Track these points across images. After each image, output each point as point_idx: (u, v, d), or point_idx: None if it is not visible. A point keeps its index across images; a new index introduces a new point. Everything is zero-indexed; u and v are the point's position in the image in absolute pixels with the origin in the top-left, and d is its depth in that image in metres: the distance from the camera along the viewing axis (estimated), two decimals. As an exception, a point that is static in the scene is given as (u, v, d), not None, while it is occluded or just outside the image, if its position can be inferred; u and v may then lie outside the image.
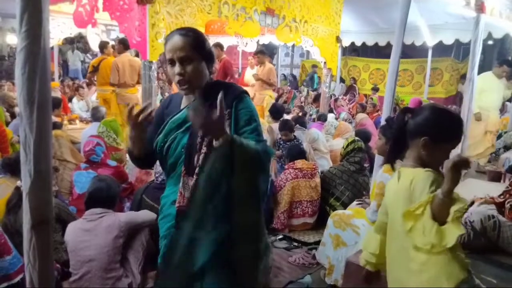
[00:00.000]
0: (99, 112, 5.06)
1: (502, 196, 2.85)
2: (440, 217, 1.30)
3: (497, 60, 12.32)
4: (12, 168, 2.81)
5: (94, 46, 7.59)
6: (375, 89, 11.02)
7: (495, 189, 3.26)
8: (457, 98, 11.08)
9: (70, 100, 7.96)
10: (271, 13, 5.15)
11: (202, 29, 3.72)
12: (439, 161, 1.53)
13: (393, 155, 1.70)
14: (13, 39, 12.52)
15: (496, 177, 4.77)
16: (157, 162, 1.77)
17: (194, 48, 1.53)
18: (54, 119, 4.82)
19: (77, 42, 13.67)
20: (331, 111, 7.88)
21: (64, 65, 13.33)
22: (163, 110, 1.72)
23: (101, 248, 2.38)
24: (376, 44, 9.65)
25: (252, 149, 1.43)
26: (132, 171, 3.94)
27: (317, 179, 3.95)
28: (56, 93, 7.09)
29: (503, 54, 12.69)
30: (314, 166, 4.01)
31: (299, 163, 3.93)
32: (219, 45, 6.91)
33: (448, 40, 8.56)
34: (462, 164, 1.27)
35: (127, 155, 4.30)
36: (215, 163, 1.39)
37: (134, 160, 1.73)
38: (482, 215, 2.76)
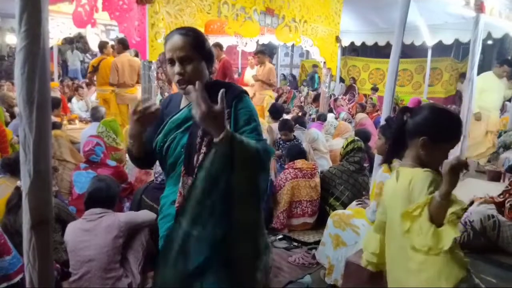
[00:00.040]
0: (98, 112, 5.05)
1: (501, 196, 2.86)
2: (437, 219, 1.30)
3: (496, 60, 12.34)
4: (12, 168, 2.81)
5: (94, 46, 7.59)
6: (375, 89, 11.03)
7: (495, 189, 3.26)
8: (457, 97, 11.10)
9: (69, 100, 7.96)
10: (270, 13, 5.15)
11: (201, 29, 3.72)
12: (437, 161, 1.54)
13: (391, 155, 1.70)
14: (12, 39, 12.52)
15: (495, 176, 4.77)
16: (157, 162, 1.77)
17: (194, 48, 1.53)
18: (54, 119, 4.82)
19: (77, 42, 13.67)
20: (330, 111, 7.88)
21: (64, 65, 13.32)
22: (163, 110, 1.72)
23: (101, 248, 2.38)
24: (376, 44, 9.66)
25: (252, 147, 1.43)
26: (131, 171, 3.93)
27: (317, 179, 3.95)
28: (56, 93, 7.08)
29: (502, 54, 12.70)
30: (314, 166, 4.01)
31: (299, 163, 3.93)
32: (218, 45, 6.92)
33: (448, 40, 8.56)
34: (460, 167, 1.27)
35: (127, 155, 4.30)
36: (214, 160, 1.39)
37: (134, 160, 1.73)
38: (482, 214, 2.76)
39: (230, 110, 1.56)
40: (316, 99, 8.73)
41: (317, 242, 3.28)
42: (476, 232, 2.73)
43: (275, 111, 5.68)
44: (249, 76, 7.49)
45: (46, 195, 1.32)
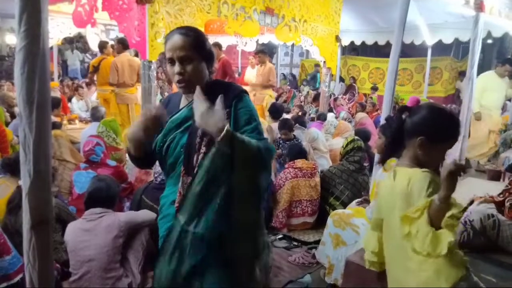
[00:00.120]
0: (98, 112, 5.05)
1: (501, 195, 2.85)
2: (437, 222, 1.30)
3: (496, 59, 12.37)
4: (12, 168, 2.81)
5: (94, 46, 7.59)
6: (374, 89, 11.03)
7: (495, 188, 3.26)
8: (455, 96, 11.10)
9: (69, 100, 7.96)
10: (270, 13, 5.15)
11: (201, 29, 3.72)
12: (435, 161, 1.54)
13: (389, 154, 1.69)
14: (12, 39, 12.50)
15: (495, 176, 4.77)
16: (156, 162, 1.77)
17: (194, 47, 1.53)
18: (54, 119, 4.82)
19: (77, 42, 13.66)
20: (330, 110, 7.88)
21: (64, 65, 13.31)
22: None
23: (101, 248, 2.38)
24: (376, 43, 9.66)
25: (253, 146, 1.43)
26: (131, 171, 3.94)
27: (317, 179, 3.95)
28: (56, 93, 7.08)
29: (502, 53, 12.69)
30: (314, 166, 4.01)
31: (299, 162, 3.93)
32: (217, 45, 6.92)
33: (448, 39, 8.56)
34: (458, 171, 1.27)
35: (127, 155, 4.30)
36: (215, 159, 1.39)
37: (134, 160, 1.73)
38: (482, 214, 2.76)
39: (230, 109, 1.56)
40: (316, 98, 8.73)
41: (317, 242, 3.28)
42: (476, 231, 2.73)
43: (275, 111, 5.67)
44: (249, 76, 7.49)
45: (46, 195, 1.33)
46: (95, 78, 7.08)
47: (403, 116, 1.60)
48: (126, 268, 2.49)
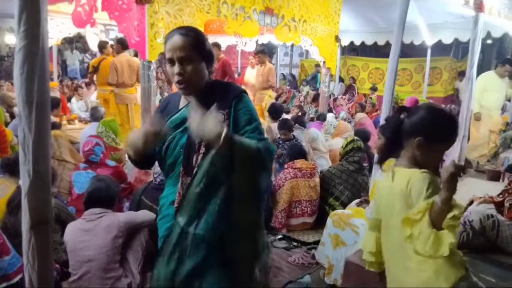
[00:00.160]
0: (98, 112, 5.05)
1: (501, 195, 2.86)
2: (438, 224, 1.30)
3: (496, 59, 12.37)
4: (11, 169, 2.81)
5: (93, 46, 7.58)
6: (374, 89, 11.03)
7: (494, 188, 3.26)
8: (455, 96, 11.12)
9: (69, 100, 7.96)
10: (270, 13, 5.15)
11: (201, 29, 3.73)
12: (433, 161, 1.53)
13: (387, 154, 1.69)
14: (11, 39, 12.51)
15: (495, 176, 4.78)
16: (156, 163, 1.76)
17: (194, 48, 1.52)
18: (53, 119, 4.82)
19: (76, 42, 13.65)
20: (330, 110, 7.88)
21: (63, 65, 13.31)
22: (162, 110, 1.72)
23: (100, 248, 2.38)
24: (375, 43, 9.66)
25: (253, 148, 1.43)
26: (131, 171, 3.94)
27: (316, 179, 3.95)
28: (55, 93, 7.08)
29: (502, 53, 12.70)
30: (313, 166, 4.01)
31: (299, 162, 3.93)
32: (216, 45, 6.92)
33: (447, 39, 8.56)
34: (459, 172, 1.27)
35: (126, 155, 4.29)
36: (214, 160, 1.39)
37: (133, 162, 1.73)
38: (481, 214, 2.76)
39: (229, 110, 1.56)
40: (315, 98, 8.73)
41: (317, 242, 3.28)
42: (476, 231, 2.73)
43: (275, 111, 5.67)
44: (249, 76, 7.49)
45: (45, 195, 1.32)
46: (94, 78, 7.08)
47: (402, 117, 1.60)
48: (126, 268, 2.49)
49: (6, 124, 4.85)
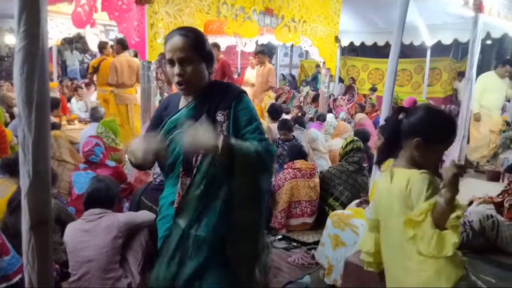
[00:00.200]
0: (98, 112, 5.05)
1: (500, 196, 2.86)
2: (441, 224, 1.30)
3: (496, 59, 12.38)
4: (11, 169, 2.81)
5: (93, 46, 7.59)
6: (373, 89, 11.04)
7: (494, 189, 3.27)
8: (454, 96, 11.13)
9: (68, 100, 7.97)
10: (270, 13, 5.15)
11: (200, 29, 3.73)
12: (431, 162, 1.54)
13: (386, 155, 1.69)
14: (11, 40, 12.50)
15: (495, 176, 4.79)
16: (156, 163, 1.76)
17: (194, 49, 1.52)
18: (53, 119, 4.82)
19: (76, 43, 13.65)
20: (330, 111, 7.89)
21: (63, 65, 13.31)
22: (162, 111, 1.72)
23: (100, 249, 2.38)
24: (375, 44, 9.67)
25: (252, 152, 1.43)
26: (131, 171, 3.93)
27: (316, 179, 3.95)
28: (55, 93, 7.08)
29: (501, 54, 12.71)
30: (313, 166, 4.01)
31: (298, 163, 3.93)
32: (216, 45, 6.92)
33: (447, 40, 8.57)
34: (462, 172, 1.28)
35: (126, 156, 4.29)
36: (213, 165, 1.39)
37: (133, 165, 1.72)
38: (481, 214, 2.77)
39: (229, 111, 1.56)
40: (315, 99, 8.73)
41: (316, 243, 3.28)
42: (475, 232, 2.74)
43: (274, 112, 5.67)
44: (249, 76, 7.50)
45: (45, 195, 1.32)
46: (94, 78, 7.08)
47: (400, 117, 1.60)
48: (126, 268, 2.49)
49: (6, 124, 4.85)
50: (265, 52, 7.25)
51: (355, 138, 4.18)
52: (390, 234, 1.59)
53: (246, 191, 1.46)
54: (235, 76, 9.23)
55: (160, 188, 1.84)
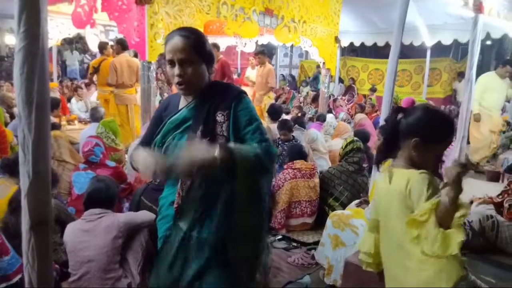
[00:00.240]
0: (98, 112, 5.05)
1: (500, 196, 2.87)
2: (444, 223, 1.30)
3: (495, 60, 12.38)
4: (11, 169, 2.81)
5: (93, 46, 7.59)
6: (373, 90, 11.05)
7: (494, 189, 3.27)
8: (453, 97, 11.13)
9: (68, 100, 7.97)
10: (269, 14, 5.16)
11: (200, 30, 3.73)
12: (430, 162, 1.54)
13: (384, 155, 1.69)
14: (11, 40, 12.51)
15: (494, 177, 4.79)
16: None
17: (195, 50, 1.52)
18: (53, 119, 4.82)
19: (76, 43, 13.66)
20: (330, 111, 7.90)
21: (63, 65, 13.32)
22: (162, 112, 1.72)
23: (100, 249, 2.38)
24: (375, 44, 9.67)
25: (252, 156, 1.43)
26: (131, 171, 3.93)
27: (316, 179, 3.95)
28: (55, 93, 7.08)
29: (501, 54, 12.72)
30: (313, 166, 4.01)
31: (298, 163, 3.93)
32: (215, 46, 6.92)
33: (447, 40, 8.57)
34: (466, 170, 1.28)
35: (126, 156, 4.29)
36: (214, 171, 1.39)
37: (134, 169, 1.72)
38: (481, 215, 2.77)
39: (229, 111, 1.56)
40: (315, 99, 8.73)
41: (316, 243, 3.28)
42: (475, 232, 2.74)
43: (274, 112, 5.67)
44: (250, 76, 7.51)
45: (45, 195, 1.32)
46: (95, 79, 7.08)
47: (398, 117, 1.61)
48: (126, 268, 2.49)
49: (6, 124, 4.85)
50: (265, 53, 7.26)
51: (355, 138, 4.18)
52: (390, 234, 1.59)
53: (247, 194, 1.46)
54: (235, 77, 9.24)
55: (160, 188, 1.84)
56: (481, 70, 6.02)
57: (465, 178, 1.28)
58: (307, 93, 11.14)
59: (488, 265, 2.57)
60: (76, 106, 7.81)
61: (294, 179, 3.83)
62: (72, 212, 3.11)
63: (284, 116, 5.93)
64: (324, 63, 6.62)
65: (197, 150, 1.33)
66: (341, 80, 12.81)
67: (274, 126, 5.13)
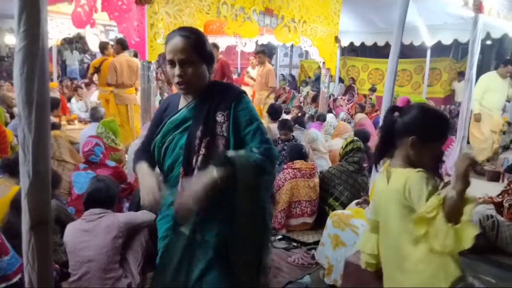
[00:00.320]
0: (98, 112, 5.05)
1: (500, 196, 2.86)
2: (453, 218, 1.30)
3: (495, 60, 12.38)
4: (11, 169, 2.81)
5: (93, 46, 7.59)
6: (373, 90, 11.05)
7: (494, 189, 3.26)
8: (452, 96, 11.13)
9: (68, 100, 7.97)
10: (269, 13, 5.16)
11: (200, 30, 3.73)
12: (427, 160, 1.54)
13: (381, 154, 1.69)
14: (11, 40, 12.52)
15: (494, 177, 4.79)
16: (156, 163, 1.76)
17: (195, 50, 1.52)
18: (53, 119, 4.82)
19: (76, 43, 13.66)
20: (330, 111, 7.89)
21: (63, 65, 13.32)
22: (162, 112, 1.71)
23: (100, 249, 2.38)
24: (375, 44, 9.66)
25: (252, 165, 1.43)
26: (131, 171, 3.93)
27: (316, 179, 3.95)
28: (55, 93, 7.08)
29: (501, 54, 12.71)
30: (313, 166, 4.01)
31: (298, 163, 3.93)
32: (214, 46, 6.92)
33: (447, 40, 8.56)
34: (474, 164, 1.28)
35: (126, 156, 4.29)
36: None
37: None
38: (481, 215, 2.76)
39: (229, 112, 1.55)
40: (315, 99, 8.73)
41: (317, 243, 3.28)
42: (475, 232, 2.73)
43: (274, 112, 5.67)
44: (250, 74, 7.52)
45: (45, 195, 1.32)
46: (95, 78, 7.08)
47: (394, 116, 1.61)
48: (126, 268, 2.49)
49: (6, 124, 4.85)
50: (266, 52, 7.26)
51: (355, 138, 4.18)
52: (389, 234, 1.59)
53: (249, 200, 1.46)
54: (235, 76, 9.23)
55: (160, 189, 1.84)
56: (481, 70, 6.03)
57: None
58: (307, 93, 11.14)
59: (488, 265, 2.56)
60: (76, 106, 7.81)
61: (294, 179, 3.83)
62: (72, 212, 3.11)
63: (284, 116, 5.93)
64: (324, 63, 6.62)
65: (196, 183, 1.38)
66: (341, 80, 12.81)
67: (274, 126, 5.13)
